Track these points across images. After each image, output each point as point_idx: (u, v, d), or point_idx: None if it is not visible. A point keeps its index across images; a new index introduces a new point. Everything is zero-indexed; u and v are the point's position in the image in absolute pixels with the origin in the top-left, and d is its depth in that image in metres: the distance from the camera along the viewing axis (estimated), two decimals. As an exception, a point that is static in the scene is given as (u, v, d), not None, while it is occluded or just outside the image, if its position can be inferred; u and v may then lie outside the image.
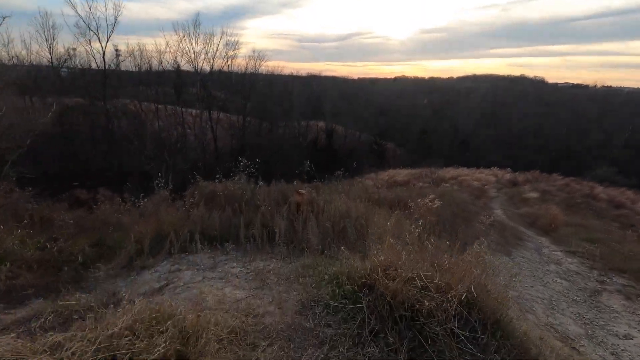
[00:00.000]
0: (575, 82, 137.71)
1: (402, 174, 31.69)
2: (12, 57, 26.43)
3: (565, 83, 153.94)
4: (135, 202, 6.25)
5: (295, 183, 8.32)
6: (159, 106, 31.77)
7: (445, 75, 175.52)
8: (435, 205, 6.61)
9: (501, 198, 18.36)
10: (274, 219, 4.32)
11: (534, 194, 17.34)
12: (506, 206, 16.11)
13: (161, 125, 30.38)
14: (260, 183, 7.16)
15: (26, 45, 34.55)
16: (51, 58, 26.76)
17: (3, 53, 26.19)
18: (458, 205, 10.23)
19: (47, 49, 26.48)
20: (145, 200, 5.89)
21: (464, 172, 27.74)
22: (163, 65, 33.18)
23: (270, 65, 44.78)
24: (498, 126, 59.44)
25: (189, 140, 31.05)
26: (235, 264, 3.85)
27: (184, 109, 32.18)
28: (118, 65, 31.86)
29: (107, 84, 26.80)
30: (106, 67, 25.83)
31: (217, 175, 7.03)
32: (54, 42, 26.57)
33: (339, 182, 10.12)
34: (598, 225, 12.81)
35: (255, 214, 4.59)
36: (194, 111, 32.28)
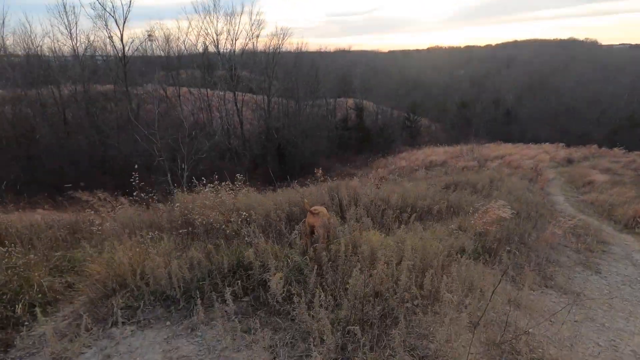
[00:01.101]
0: (634, 42, 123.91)
1: (438, 152, 29.31)
2: (37, 46, 26.37)
3: (622, 44, 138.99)
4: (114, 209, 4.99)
5: (309, 187, 6.73)
6: (182, 89, 30.97)
7: (482, 44, 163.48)
8: (507, 214, 4.87)
9: (559, 181, 15.90)
10: (269, 261, 2.84)
11: (601, 176, 14.74)
12: (568, 191, 13.79)
13: (185, 110, 29.69)
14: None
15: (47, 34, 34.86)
16: (73, 46, 26.42)
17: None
18: (518, 199, 8.29)
19: (68, 36, 26.13)
20: (116, 212, 4.57)
21: (510, 149, 24.98)
22: (186, 47, 32.19)
23: (295, 43, 42.63)
24: (546, 96, 54.05)
25: (215, 124, 30.23)
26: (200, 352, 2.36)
27: (209, 91, 31.22)
28: (146, 50, 31.33)
29: (129, 69, 26.20)
30: (125, 51, 25.09)
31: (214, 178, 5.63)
32: (76, 30, 26.12)
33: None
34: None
35: (245, 247, 3.19)
36: (220, 92, 31.23)
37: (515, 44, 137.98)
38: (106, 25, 24.63)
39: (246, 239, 3.14)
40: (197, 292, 2.76)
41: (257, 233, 3.16)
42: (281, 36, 32.12)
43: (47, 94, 27.20)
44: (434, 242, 3.51)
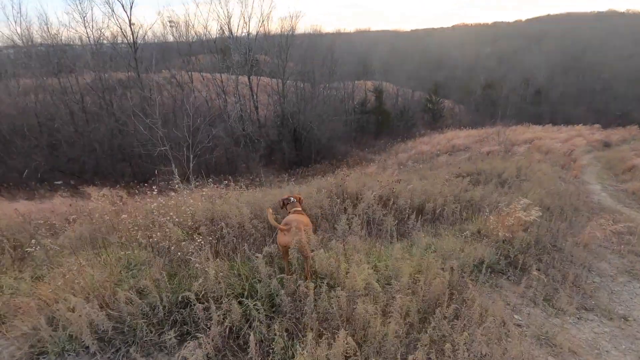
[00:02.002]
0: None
1: (462, 136, 27.89)
2: (54, 34, 26.47)
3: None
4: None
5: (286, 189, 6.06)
6: (195, 74, 30.57)
7: (512, 19, 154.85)
8: (532, 217, 4.07)
9: (595, 167, 14.54)
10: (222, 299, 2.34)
11: (644, 161, 13.34)
12: (605, 179, 12.53)
13: (199, 96, 29.38)
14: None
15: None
16: (87, 34, 26.36)
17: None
18: (550, 192, 7.34)
19: (82, 23, 26.06)
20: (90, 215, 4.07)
21: (539, 133, 23.32)
22: (198, 33, 31.68)
23: (310, 25, 41.32)
24: (580, 74, 50.43)
25: (230, 109, 29.83)
26: None
27: (223, 75, 30.72)
28: (164, 36, 31.06)
29: (144, 57, 26.01)
30: (136, 37, 24.79)
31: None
32: (91, 15, 25.98)
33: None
34: None
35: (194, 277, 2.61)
36: (233, 77, 30.66)
37: (547, 18, 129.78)
38: (112, 11, 24.43)
39: (197, 265, 2.53)
40: (121, 343, 2.22)
41: (208, 255, 2.54)
42: (294, 17, 31.00)
43: (65, 82, 27.54)
44: (435, 265, 2.80)
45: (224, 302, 2.19)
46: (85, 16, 25.46)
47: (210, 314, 2.14)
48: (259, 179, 14.76)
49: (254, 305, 2.17)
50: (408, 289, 2.63)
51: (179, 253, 2.64)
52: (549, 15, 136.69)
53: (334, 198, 4.46)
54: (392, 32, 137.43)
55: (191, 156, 11.79)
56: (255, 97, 29.45)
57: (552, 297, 3.62)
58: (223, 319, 2.13)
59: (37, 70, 27.31)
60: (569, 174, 12.12)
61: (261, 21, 30.77)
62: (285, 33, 30.27)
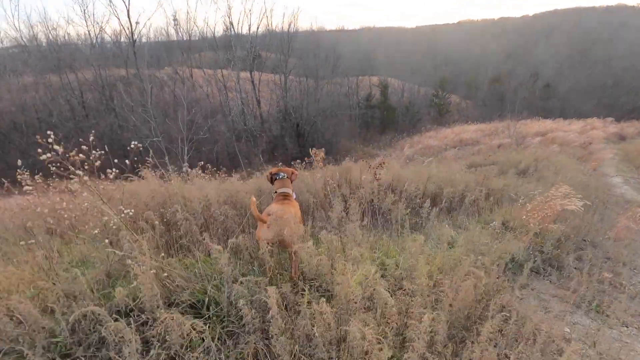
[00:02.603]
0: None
1: (469, 130, 27.10)
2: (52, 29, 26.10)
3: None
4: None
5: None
6: (195, 70, 30.14)
7: (519, 15, 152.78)
8: (573, 207, 3.43)
9: (613, 160, 13.78)
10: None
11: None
12: (626, 172, 11.78)
13: (200, 91, 28.87)
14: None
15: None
16: (87, 27, 25.99)
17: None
18: (575, 184, 6.64)
19: (82, 17, 25.70)
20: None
21: (550, 126, 22.50)
22: (200, 29, 31.23)
23: (312, 21, 40.74)
24: (590, 67, 49.20)
25: (232, 104, 29.31)
26: None
27: (224, 71, 30.20)
28: (183, 33, 30.60)
29: (145, 53, 25.59)
30: (133, 29, 24.32)
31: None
32: (93, 9, 25.58)
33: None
34: None
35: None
36: (235, 72, 30.13)
37: (555, 13, 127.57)
38: (110, 1, 24.02)
39: (129, 261, 1.87)
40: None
41: (144, 249, 1.79)
42: (296, 12, 30.36)
43: (65, 79, 27.24)
44: (467, 262, 2.15)
45: (158, 315, 1.57)
46: (86, 9, 25.04)
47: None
48: (260, 172, 14.19)
49: (206, 320, 1.56)
50: (428, 296, 2.00)
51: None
52: (556, 10, 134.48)
53: (330, 182, 3.85)
54: (397, 29, 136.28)
55: (185, 148, 11.24)
56: (257, 91, 28.88)
57: (600, 302, 2.98)
58: (159, 340, 1.52)
59: (37, 67, 27.03)
60: (587, 166, 11.41)
61: (263, 12, 30.16)
62: (287, 26, 29.67)
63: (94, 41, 26.83)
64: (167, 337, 1.53)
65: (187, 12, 63.26)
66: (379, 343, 1.49)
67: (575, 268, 3.61)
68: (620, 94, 39.79)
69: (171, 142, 13.30)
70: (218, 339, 1.68)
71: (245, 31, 30.03)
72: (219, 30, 31.51)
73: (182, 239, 2.47)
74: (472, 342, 1.64)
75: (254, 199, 2.14)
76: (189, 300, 1.83)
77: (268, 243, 2.15)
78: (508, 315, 1.99)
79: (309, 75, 30.71)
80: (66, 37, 28.35)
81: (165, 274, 1.83)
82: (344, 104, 34.49)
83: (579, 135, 16.33)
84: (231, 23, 28.13)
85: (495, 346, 1.76)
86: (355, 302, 1.71)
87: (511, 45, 76.37)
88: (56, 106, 26.85)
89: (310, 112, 26.36)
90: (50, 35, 27.68)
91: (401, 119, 36.00)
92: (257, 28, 30.09)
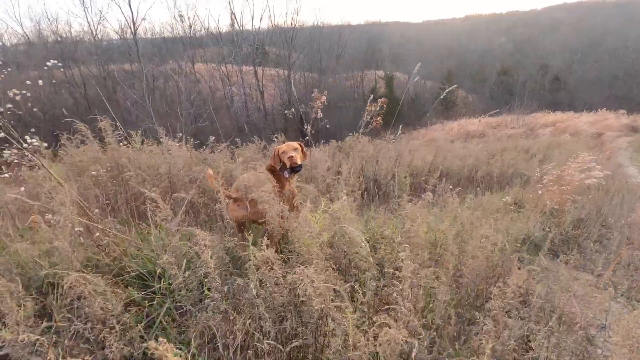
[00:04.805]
0: None
1: (476, 123, 26.56)
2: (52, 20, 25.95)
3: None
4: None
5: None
6: (199, 65, 29.90)
7: (526, 8, 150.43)
8: (594, 180, 3.07)
9: (627, 151, 13.30)
10: None
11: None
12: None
13: (204, 85, 28.62)
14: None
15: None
16: (89, 25, 25.84)
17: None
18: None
19: (81, 7, 25.52)
20: None
21: (561, 117, 21.90)
22: (204, 23, 30.95)
23: (316, 15, 40.28)
24: (600, 59, 48.06)
25: (237, 99, 29.12)
26: None
27: (228, 65, 29.96)
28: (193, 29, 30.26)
29: (150, 49, 25.40)
30: (134, 17, 24.06)
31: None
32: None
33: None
34: None
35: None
36: (237, 67, 29.86)
37: (563, 7, 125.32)
38: None
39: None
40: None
41: (68, 205, 1.41)
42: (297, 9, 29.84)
43: (69, 73, 27.29)
44: (478, 228, 1.79)
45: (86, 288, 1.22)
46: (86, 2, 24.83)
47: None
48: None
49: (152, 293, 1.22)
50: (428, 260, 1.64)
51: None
52: (565, 3, 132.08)
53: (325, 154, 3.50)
54: (403, 24, 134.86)
55: (183, 136, 10.91)
56: (261, 84, 28.60)
57: (630, 288, 2.61)
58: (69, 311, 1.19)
59: (41, 60, 26.98)
60: (600, 156, 10.94)
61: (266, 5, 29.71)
62: (291, 18, 29.27)
63: (94, 32, 26.65)
64: (86, 309, 1.20)
65: (193, 8, 63.10)
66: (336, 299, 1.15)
67: (596, 251, 3.25)
68: (632, 85, 38.76)
69: (172, 133, 13.02)
70: (166, 315, 1.37)
71: (248, 23, 29.70)
72: (223, 26, 31.19)
73: (136, 202, 2.16)
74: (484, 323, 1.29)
75: (211, 171, 1.81)
76: (137, 270, 1.51)
77: (238, 222, 1.82)
78: (525, 296, 1.63)
79: (313, 69, 30.36)
80: (70, 32, 28.17)
81: (97, 234, 1.52)
82: (349, 97, 34.04)
83: (591, 126, 15.77)
84: (234, 14, 27.78)
85: (510, 329, 1.41)
86: (313, 256, 1.35)
87: (519, 38, 74.99)
88: (60, 100, 26.83)
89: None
90: (52, 27, 27.58)
91: (407, 112, 35.47)
92: (260, 20, 29.69)
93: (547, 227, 3.07)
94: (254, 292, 1.19)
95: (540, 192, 3.15)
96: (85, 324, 1.18)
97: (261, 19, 28.85)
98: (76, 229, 1.37)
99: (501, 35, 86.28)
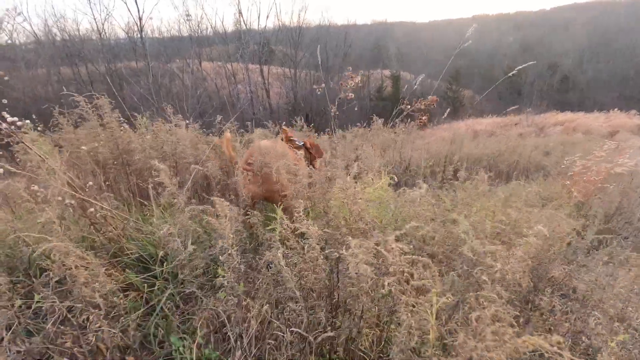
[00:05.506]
0: None
1: (483, 123, 26.25)
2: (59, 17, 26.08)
3: None
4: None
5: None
6: (204, 63, 29.95)
7: (535, 8, 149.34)
8: (624, 168, 2.90)
9: (642, 149, 12.95)
10: None
11: None
12: (659, 160, 10.96)
13: (210, 83, 28.64)
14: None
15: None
16: (96, 22, 25.89)
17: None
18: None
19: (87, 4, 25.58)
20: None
21: (571, 117, 21.54)
22: (212, 22, 30.99)
23: (323, 14, 40.19)
24: (611, 59, 47.40)
25: (243, 97, 29.15)
26: None
27: (234, 64, 29.97)
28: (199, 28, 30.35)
29: (158, 48, 25.46)
30: (141, 13, 24.07)
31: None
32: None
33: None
34: None
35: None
36: (243, 65, 29.88)
37: (573, 7, 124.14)
38: None
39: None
40: None
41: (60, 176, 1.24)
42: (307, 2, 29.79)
43: (76, 71, 27.50)
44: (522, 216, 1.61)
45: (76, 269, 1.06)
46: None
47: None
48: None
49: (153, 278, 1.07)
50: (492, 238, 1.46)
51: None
52: (575, 3, 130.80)
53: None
54: (410, 23, 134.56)
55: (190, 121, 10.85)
56: (266, 82, 28.58)
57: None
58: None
59: (49, 59, 27.20)
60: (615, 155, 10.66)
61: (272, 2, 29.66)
62: (298, 17, 29.19)
63: (101, 30, 26.74)
64: (72, 288, 1.05)
65: (201, 7, 63.47)
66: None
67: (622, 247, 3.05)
68: (643, 86, 38.19)
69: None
70: (169, 301, 1.21)
71: (254, 22, 29.68)
72: (229, 25, 31.28)
73: (134, 178, 2.02)
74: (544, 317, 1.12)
75: (229, 134, 1.66)
76: (137, 252, 1.37)
77: (253, 198, 1.65)
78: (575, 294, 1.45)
79: (319, 67, 30.21)
80: (78, 30, 28.33)
81: (91, 210, 1.37)
82: (355, 95, 33.91)
83: (603, 124, 15.46)
84: (240, 12, 27.76)
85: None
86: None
87: (528, 38, 74.36)
88: (67, 97, 27.02)
89: (321, 103, 25.95)
90: (59, 24, 27.75)
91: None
92: (267, 18, 29.63)
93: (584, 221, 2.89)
94: (283, 263, 1.03)
95: (567, 182, 2.97)
96: (71, 306, 1.03)
97: (267, 17, 28.86)
98: (66, 201, 1.22)
99: (509, 35, 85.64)
